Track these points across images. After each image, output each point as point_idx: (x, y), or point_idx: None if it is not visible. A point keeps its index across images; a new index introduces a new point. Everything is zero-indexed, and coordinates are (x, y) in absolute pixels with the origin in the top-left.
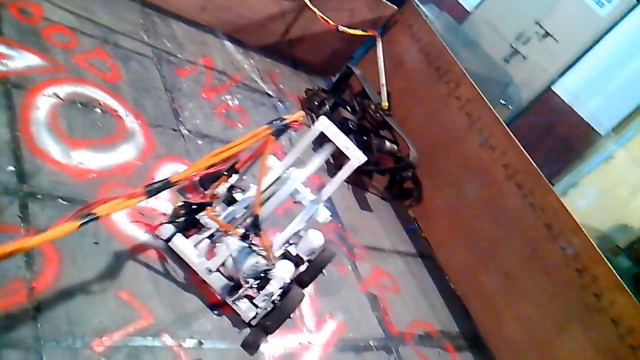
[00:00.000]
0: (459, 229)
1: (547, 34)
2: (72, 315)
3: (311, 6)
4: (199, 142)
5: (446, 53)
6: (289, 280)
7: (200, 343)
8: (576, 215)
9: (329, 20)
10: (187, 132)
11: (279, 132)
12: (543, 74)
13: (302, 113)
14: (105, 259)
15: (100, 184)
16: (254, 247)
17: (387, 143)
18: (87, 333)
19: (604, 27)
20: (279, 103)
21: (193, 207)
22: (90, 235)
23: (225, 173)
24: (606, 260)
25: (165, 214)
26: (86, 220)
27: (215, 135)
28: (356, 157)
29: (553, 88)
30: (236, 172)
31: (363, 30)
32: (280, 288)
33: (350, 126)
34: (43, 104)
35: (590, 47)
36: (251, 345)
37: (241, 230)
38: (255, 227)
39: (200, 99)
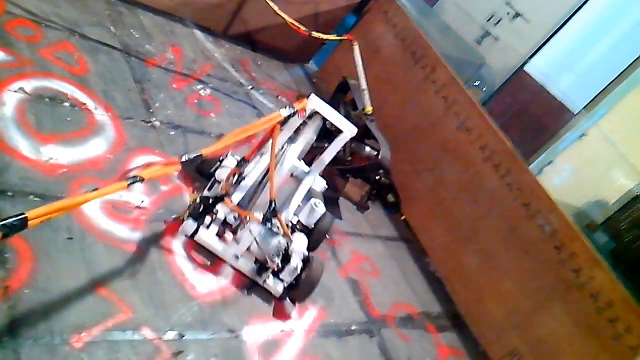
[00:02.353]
0: (439, 212)
1: (517, 14)
2: (49, 313)
3: (281, 12)
4: (171, 133)
5: (421, 38)
6: (307, 252)
7: (181, 335)
8: (552, 193)
9: (300, 27)
10: (158, 124)
11: (287, 119)
12: (515, 55)
13: (307, 101)
14: (81, 254)
15: (72, 179)
16: (273, 229)
17: (367, 148)
18: (65, 330)
19: (574, 5)
20: (252, 91)
21: (211, 200)
22: (64, 231)
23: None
24: (583, 236)
25: (139, 207)
26: (133, 181)
27: (187, 125)
28: (349, 130)
29: (525, 68)
30: (246, 162)
31: (338, 35)
32: (301, 260)
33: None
34: (9, 100)
35: (561, 27)
36: (284, 316)
37: (260, 216)
38: (273, 211)
39: (171, 89)
